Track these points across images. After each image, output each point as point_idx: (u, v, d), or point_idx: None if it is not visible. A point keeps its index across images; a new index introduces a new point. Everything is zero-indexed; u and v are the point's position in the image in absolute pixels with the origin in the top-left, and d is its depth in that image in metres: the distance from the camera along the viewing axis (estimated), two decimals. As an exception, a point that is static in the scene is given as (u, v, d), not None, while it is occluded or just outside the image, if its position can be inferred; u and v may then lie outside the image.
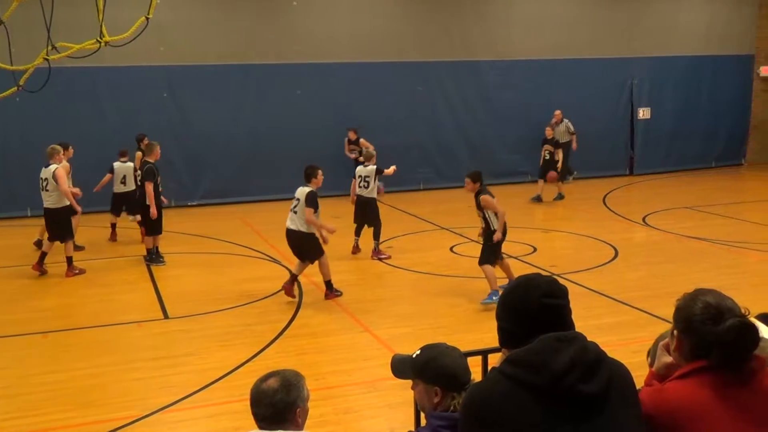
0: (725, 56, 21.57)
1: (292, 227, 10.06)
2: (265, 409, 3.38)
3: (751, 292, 9.78)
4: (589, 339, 2.50)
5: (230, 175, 17.65)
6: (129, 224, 14.16)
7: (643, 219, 15.13)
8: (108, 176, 13.76)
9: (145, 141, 14.45)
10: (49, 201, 11.48)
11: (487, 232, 9.73)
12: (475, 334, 8.39)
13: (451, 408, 3.07)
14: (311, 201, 9.92)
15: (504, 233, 9.76)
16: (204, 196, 17.70)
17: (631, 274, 11.21)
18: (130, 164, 13.79)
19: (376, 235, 12.41)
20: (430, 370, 3.14)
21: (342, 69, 18.20)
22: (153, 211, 11.91)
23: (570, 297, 2.60)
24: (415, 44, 18.80)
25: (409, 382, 3.27)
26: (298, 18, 17.95)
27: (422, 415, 3.30)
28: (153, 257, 12.09)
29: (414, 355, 3.24)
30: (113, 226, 13.84)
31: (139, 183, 12.28)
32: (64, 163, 12.39)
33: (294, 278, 10.13)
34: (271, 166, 17.40)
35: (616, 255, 12.28)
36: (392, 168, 12.92)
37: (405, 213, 15.80)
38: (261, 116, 17.69)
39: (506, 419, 2.38)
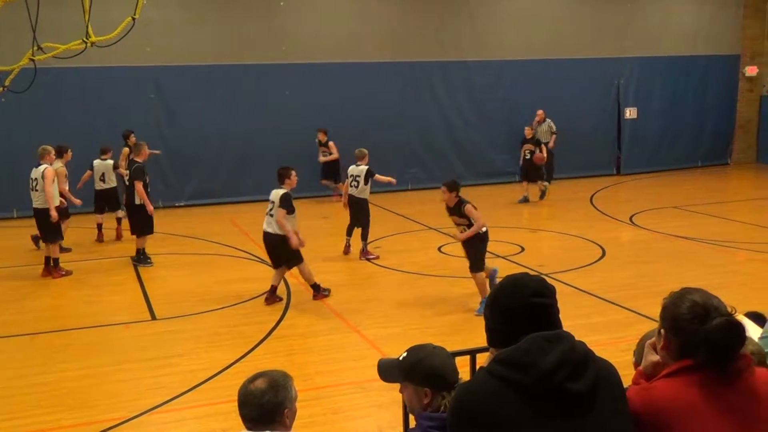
0: (711, 56, 21.70)
1: (269, 230, 9.90)
2: (253, 410, 3.37)
3: (738, 291, 9.83)
4: (576, 338, 2.51)
5: (218, 176, 17.62)
6: (113, 225, 14.17)
7: (630, 218, 15.19)
8: (88, 173, 13.75)
9: (132, 138, 14.49)
10: (38, 201, 11.41)
11: (474, 238, 9.32)
12: (463, 334, 8.41)
13: (441, 408, 3.08)
14: (285, 202, 9.76)
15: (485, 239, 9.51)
16: (191, 196, 17.66)
17: (619, 273, 11.25)
18: (110, 162, 13.79)
19: (364, 236, 12.39)
20: (419, 371, 3.13)
21: (330, 69, 18.19)
22: (150, 208, 11.91)
23: (558, 296, 2.61)
24: (404, 44, 18.81)
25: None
26: (286, 18, 17.93)
27: (411, 416, 3.30)
28: (141, 258, 12.05)
29: (400, 358, 3.23)
30: (99, 226, 13.82)
31: (126, 183, 12.22)
32: (61, 166, 12.44)
33: (274, 289, 10.04)
34: (259, 166, 17.36)
35: (604, 254, 12.32)
36: (389, 178, 12.67)
37: (393, 213, 15.80)
38: (249, 117, 17.67)
39: (494, 419, 2.39)
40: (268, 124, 17.71)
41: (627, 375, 2.76)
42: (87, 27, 10.23)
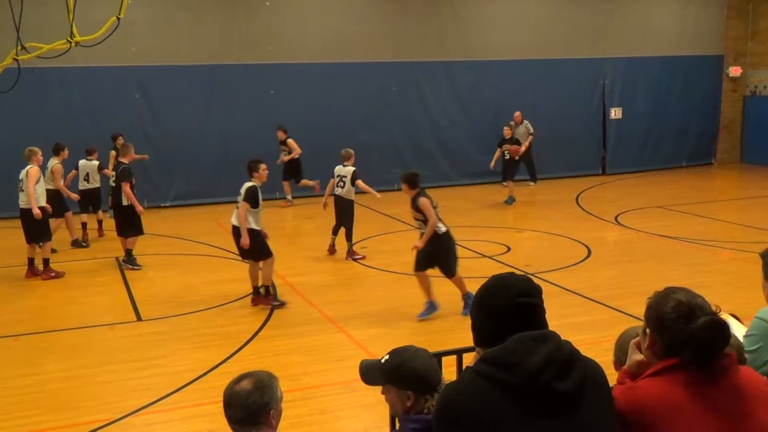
0: (695, 57, 21.82)
1: (234, 223, 9.72)
2: (239, 411, 3.36)
3: (722, 290, 9.90)
4: (563, 338, 2.52)
5: (203, 176, 17.55)
6: (96, 226, 14.14)
7: (616, 218, 15.26)
8: (73, 172, 13.74)
9: (120, 140, 14.46)
10: (23, 201, 11.33)
11: (434, 239, 9.03)
12: (450, 334, 8.42)
13: (425, 410, 3.08)
14: (249, 196, 9.53)
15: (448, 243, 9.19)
16: (177, 197, 17.59)
17: (604, 272, 11.30)
18: (95, 162, 13.82)
19: (349, 237, 12.38)
20: (401, 374, 3.13)
21: (315, 69, 18.17)
22: (139, 208, 11.85)
23: (544, 296, 2.62)
24: (389, 44, 18.82)
25: None
26: (271, 18, 17.89)
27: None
28: (130, 259, 11.95)
29: (383, 361, 3.22)
30: (84, 225, 13.79)
31: (113, 184, 12.15)
32: (57, 163, 12.55)
33: (256, 290, 9.95)
34: (245, 167, 17.26)
35: (590, 254, 12.36)
36: (371, 190, 12.40)
37: (379, 213, 15.79)
38: (234, 117, 17.62)
39: (481, 418, 2.38)
40: (254, 124, 17.66)
41: (613, 374, 2.77)
42: (71, 27, 10.18)
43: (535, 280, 2.67)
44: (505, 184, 17.07)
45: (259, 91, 17.81)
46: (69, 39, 10.32)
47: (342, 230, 12.48)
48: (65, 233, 13.34)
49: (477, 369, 2.47)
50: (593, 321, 8.99)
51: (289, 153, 17.01)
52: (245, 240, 9.46)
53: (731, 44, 22.41)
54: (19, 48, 10.52)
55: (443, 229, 9.04)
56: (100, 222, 14.15)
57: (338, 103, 18.27)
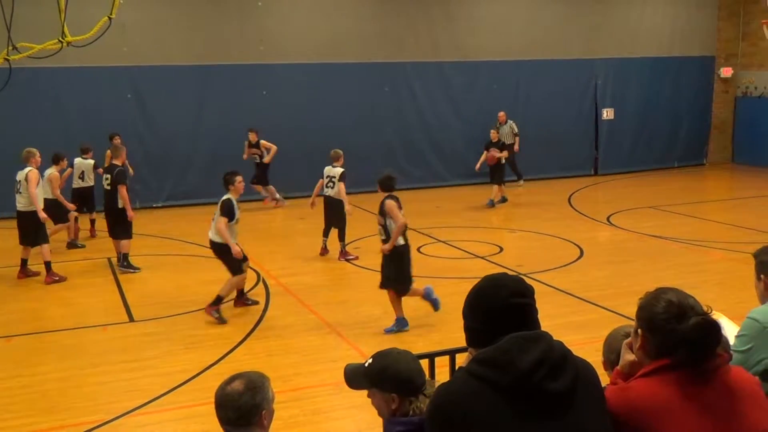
0: (687, 58, 21.88)
1: (210, 237, 9.53)
2: (230, 412, 3.36)
3: (713, 290, 9.94)
4: (555, 338, 2.53)
5: (195, 177, 17.49)
6: (89, 226, 14.12)
7: (608, 218, 15.30)
8: (68, 170, 13.72)
9: (117, 140, 14.47)
10: (20, 204, 11.26)
11: (396, 248, 8.77)
12: (442, 334, 8.42)
13: (410, 413, 3.09)
14: (225, 209, 9.29)
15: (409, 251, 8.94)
16: (169, 197, 17.55)
17: (596, 273, 11.33)
18: (91, 161, 13.81)
19: (341, 237, 12.38)
20: (385, 378, 3.13)
21: (308, 69, 18.15)
22: (131, 214, 11.77)
23: (536, 296, 2.62)
24: (381, 45, 18.81)
25: None
26: (264, 18, 17.87)
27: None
28: (126, 264, 11.87)
29: (366, 364, 3.22)
30: (75, 219, 13.79)
31: (108, 186, 11.99)
32: (54, 172, 12.57)
33: (240, 293, 9.87)
34: (237, 167, 17.14)
35: (582, 254, 12.39)
36: (346, 202, 12.17)
37: (372, 214, 15.73)
38: (226, 117, 17.57)
39: (474, 418, 2.39)
40: (246, 124, 17.61)
41: (603, 374, 2.78)
42: (63, 27, 10.15)
43: (528, 281, 2.68)
44: (497, 187, 16.96)
45: (252, 91, 17.78)
46: (60, 39, 10.27)
47: (334, 231, 12.48)
48: (64, 233, 13.30)
49: (470, 369, 2.48)
50: (585, 321, 9.01)
51: (262, 156, 16.62)
52: (236, 250, 9.28)
53: (723, 45, 22.49)
54: (10, 48, 10.46)
55: (401, 241, 8.79)
56: (92, 222, 14.13)
57: (331, 103, 18.25)
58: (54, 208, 12.22)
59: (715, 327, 2.61)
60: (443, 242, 13.46)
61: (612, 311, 9.22)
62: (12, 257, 11.94)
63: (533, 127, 19.61)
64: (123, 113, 16.72)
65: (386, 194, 8.98)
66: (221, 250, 9.47)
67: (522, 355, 2.41)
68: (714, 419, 2.57)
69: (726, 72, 22.49)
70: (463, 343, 2.72)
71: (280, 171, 17.61)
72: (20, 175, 11.27)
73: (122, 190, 11.70)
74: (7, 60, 10.53)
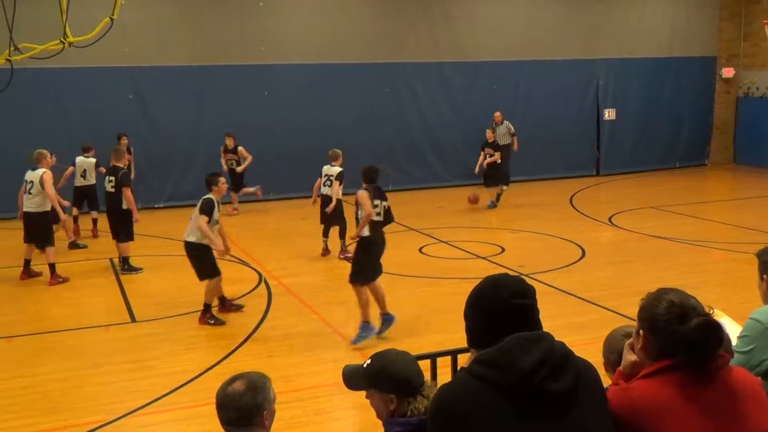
0: (688, 58, 21.86)
1: (189, 239, 9.31)
2: (232, 412, 3.36)
3: (715, 291, 9.94)
4: (556, 338, 2.53)
5: (197, 177, 17.33)
6: (91, 225, 14.13)
7: (610, 219, 15.29)
8: (71, 169, 13.78)
9: (124, 140, 14.52)
10: (30, 205, 11.23)
11: (361, 239, 8.66)
12: (444, 335, 8.40)
13: (408, 413, 3.09)
14: (205, 207, 9.12)
15: (379, 244, 8.71)
16: (170, 197, 17.55)
17: (598, 273, 11.33)
18: (92, 160, 13.86)
19: (342, 235, 12.40)
20: (384, 379, 3.14)
21: (309, 70, 18.16)
22: (137, 216, 11.78)
23: (538, 297, 2.62)
24: (381, 45, 18.81)
25: None
26: (265, 19, 17.88)
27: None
28: (129, 267, 11.85)
29: (364, 365, 3.23)
30: (75, 218, 13.84)
31: (112, 189, 11.88)
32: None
33: (222, 299, 9.68)
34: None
35: (584, 255, 12.39)
36: (333, 203, 12.18)
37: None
38: (227, 118, 17.54)
39: (476, 419, 2.39)
40: (248, 125, 17.62)
41: (604, 375, 2.78)
42: (64, 27, 10.16)
43: (529, 281, 2.68)
44: (493, 188, 16.86)
45: (253, 91, 17.78)
46: (62, 39, 10.30)
47: (335, 229, 12.49)
48: (62, 233, 13.31)
49: (471, 370, 2.48)
50: (587, 321, 9.01)
51: (239, 163, 16.30)
52: (220, 247, 9.22)
53: (724, 45, 22.47)
54: (12, 48, 10.48)
55: (366, 233, 8.60)
56: (94, 221, 14.11)
57: (331, 103, 18.25)
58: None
59: (717, 328, 2.61)
60: (445, 243, 13.46)
61: (614, 312, 9.22)
62: (14, 257, 11.95)
63: (534, 127, 19.60)
64: (124, 114, 16.73)
65: (364, 185, 8.83)
66: (195, 252, 9.30)
67: (523, 356, 2.41)
68: (715, 420, 2.57)
69: (727, 72, 22.48)
70: (464, 344, 2.72)
71: (281, 171, 17.64)
72: (32, 176, 11.21)
73: (127, 192, 11.70)
74: (9, 60, 10.55)
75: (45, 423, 6.70)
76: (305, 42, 18.11)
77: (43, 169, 11.26)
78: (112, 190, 11.85)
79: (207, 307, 9.32)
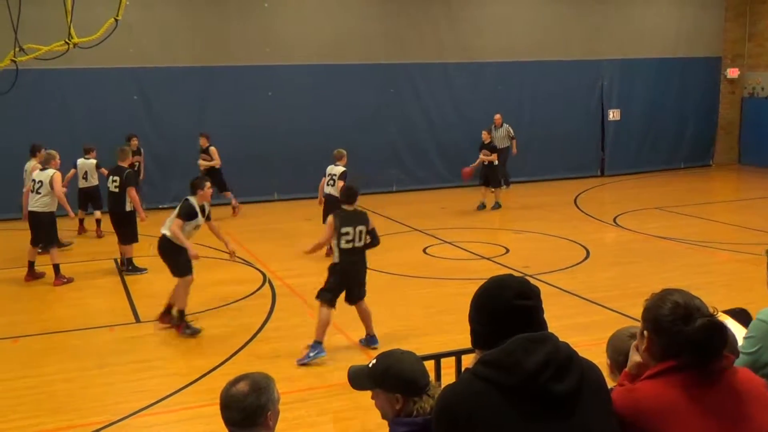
0: (693, 58, 21.85)
1: (165, 233, 9.04)
2: (236, 413, 3.37)
3: (719, 292, 9.91)
4: (561, 339, 2.52)
5: (201, 178, 17.49)
6: (95, 226, 14.17)
7: (614, 219, 15.27)
8: (72, 171, 13.84)
9: (134, 141, 14.56)
10: (37, 204, 11.23)
11: (332, 265, 8.34)
12: (449, 335, 8.40)
13: (414, 413, 3.09)
14: (183, 212, 8.91)
15: (348, 271, 8.30)
16: (175, 198, 17.49)
17: (603, 274, 11.31)
18: (93, 161, 13.94)
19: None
20: (389, 378, 3.14)
21: (313, 71, 18.18)
22: (143, 216, 11.77)
23: (542, 297, 2.62)
24: (386, 46, 18.82)
25: None
26: (270, 20, 17.89)
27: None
28: (132, 267, 11.86)
29: (370, 365, 3.23)
30: (81, 221, 13.88)
31: (116, 189, 11.87)
32: (36, 164, 12.45)
33: (167, 310, 9.17)
34: (243, 168, 17.30)
35: (588, 255, 12.37)
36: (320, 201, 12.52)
37: (377, 214, 15.79)
38: (232, 118, 17.60)
39: (480, 419, 2.39)
40: (252, 125, 17.66)
41: (608, 377, 2.78)
42: (69, 28, 10.18)
43: (534, 282, 2.68)
44: (492, 190, 16.77)
45: (257, 92, 17.80)
46: (67, 40, 10.31)
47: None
48: (61, 233, 13.33)
49: (475, 370, 2.48)
50: (591, 322, 8.99)
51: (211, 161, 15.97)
52: (193, 252, 8.91)
53: (729, 46, 22.44)
54: (17, 49, 10.51)
55: (336, 259, 8.25)
56: (98, 222, 14.16)
57: (336, 104, 18.27)
58: None
59: (722, 329, 2.61)
60: (449, 243, 13.45)
61: (618, 312, 9.20)
62: (18, 258, 11.96)
63: (539, 128, 19.61)
64: (129, 114, 16.77)
65: (343, 207, 8.45)
66: (173, 246, 8.97)
67: (527, 357, 2.41)
68: (720, 421, 2.57)
69: (732, 73, 22.45)
70: (468, 345, 2.72)
71: (285, 172, 17.66)
72: (41, 176, 11.21)
73: (131, 192, 11.71)
74: (14, 61, 10.58)
75: (50, 423, 6.71)
76: (309, 43, 18.12)
77: (53, 170, 11.31)
78: (116, 190, 11.85)
79: (181, 315, 8.98)
